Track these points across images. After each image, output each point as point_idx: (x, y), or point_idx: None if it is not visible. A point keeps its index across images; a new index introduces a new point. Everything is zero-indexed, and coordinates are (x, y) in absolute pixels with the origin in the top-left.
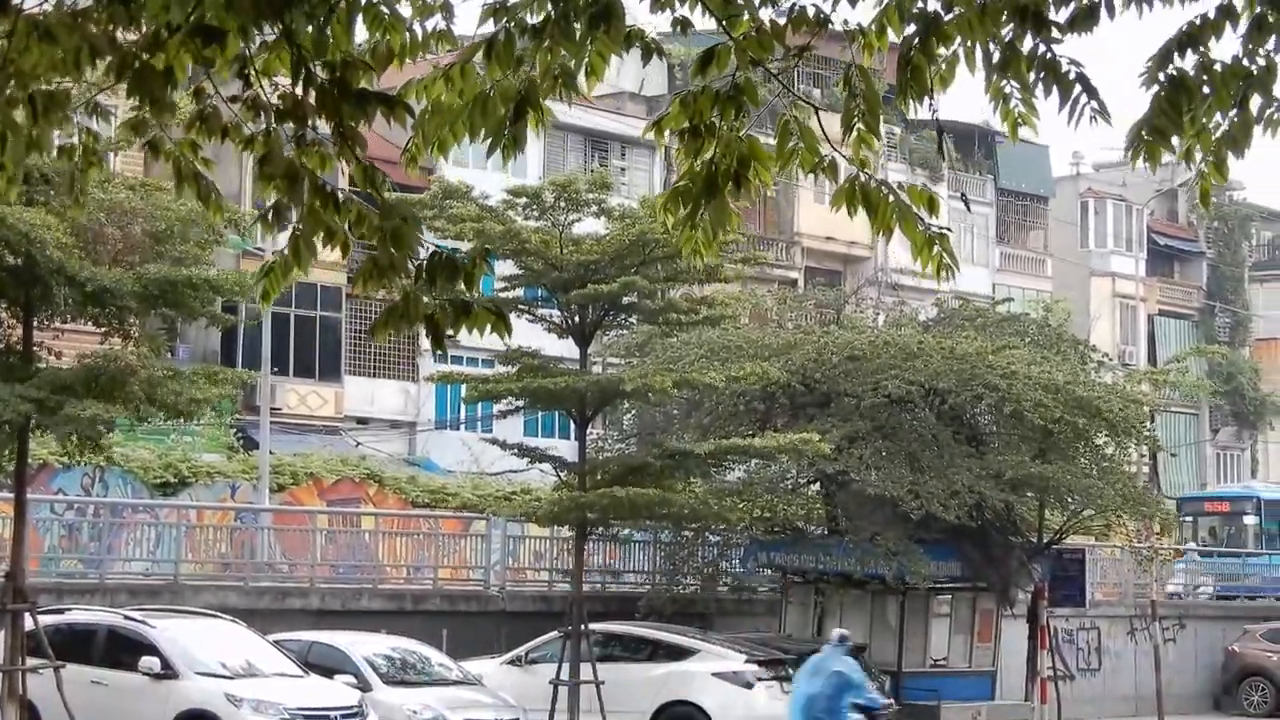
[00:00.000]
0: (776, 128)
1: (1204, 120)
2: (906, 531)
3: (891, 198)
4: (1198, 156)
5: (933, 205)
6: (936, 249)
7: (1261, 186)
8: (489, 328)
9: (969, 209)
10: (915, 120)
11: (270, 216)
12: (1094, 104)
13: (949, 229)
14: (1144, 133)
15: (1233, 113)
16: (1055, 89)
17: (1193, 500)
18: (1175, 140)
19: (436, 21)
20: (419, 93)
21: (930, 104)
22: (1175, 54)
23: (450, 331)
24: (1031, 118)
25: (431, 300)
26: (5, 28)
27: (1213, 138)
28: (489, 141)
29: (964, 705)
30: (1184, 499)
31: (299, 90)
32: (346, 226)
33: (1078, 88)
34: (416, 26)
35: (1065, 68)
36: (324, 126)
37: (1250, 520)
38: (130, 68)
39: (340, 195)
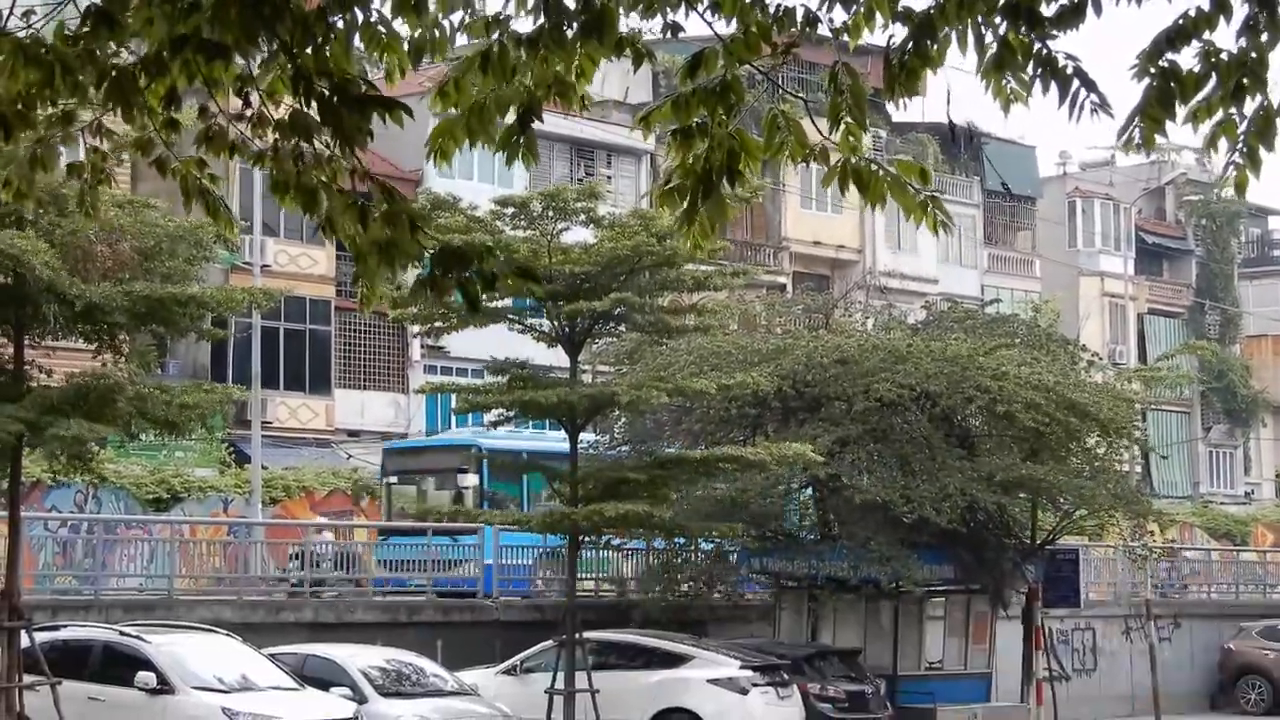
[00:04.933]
0: (764, 124)
1: (1220, 109)
2: (899, 535)
3: (882, 173)
4: (1223, 145)
5: (925, 177)
6: (931, 208)
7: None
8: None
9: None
10: (901, 124)
11: (325, 229)
12: (1094, 97)
13: (941, 191)
14: (1138, 120)
15: (1255, 103)
16: (1054, 84)
17: (397, 453)
18: (1204, 128)
19: (461, 16)
20: (435, 101)
21: (908, 102)
22: (1167, 47)
23: (484, 296)
24: (1023, 94)
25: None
26: None
27: (1238, 129)
28: (503, 151)
29: (960, 708)
30: (388, 449)
31: (299, 103)
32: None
33: (1076, 82)
34: (445, 20)
35: (1062, 63)
36: (330, 141)
37: (470, 481)
38: (107, 77)
39: (369, 210)
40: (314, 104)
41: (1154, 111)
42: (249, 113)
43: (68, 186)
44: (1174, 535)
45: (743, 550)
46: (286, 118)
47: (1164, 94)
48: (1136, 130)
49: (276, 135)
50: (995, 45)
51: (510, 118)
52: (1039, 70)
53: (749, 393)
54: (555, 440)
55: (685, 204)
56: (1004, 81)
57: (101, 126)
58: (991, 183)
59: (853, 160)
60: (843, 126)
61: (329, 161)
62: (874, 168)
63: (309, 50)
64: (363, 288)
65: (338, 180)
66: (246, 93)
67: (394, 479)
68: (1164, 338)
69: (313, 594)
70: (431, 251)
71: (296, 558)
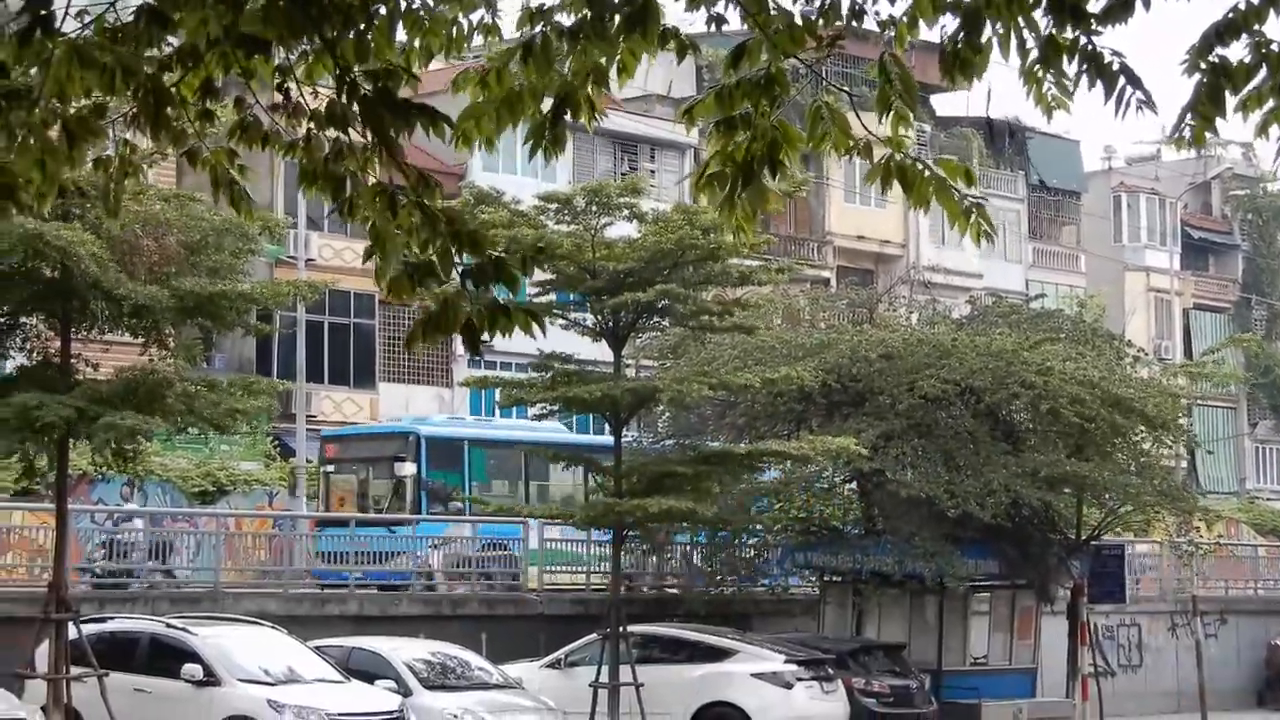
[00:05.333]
0: (807, 115)
1: (1272, 99)
2: (944, 530)
3: (927, 173)
4: (1274, 133)
5: (969, 178)
6: (975, 217)
7: None
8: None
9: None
10: (945, 117)
11: (344, 211)
12: (1139, 94)
13: (984, 199)
14: (1189, 118)
15: None
16: (1099, 81)
17: (335, 441)
18: (1254, 117)
19: (481, 15)
20: (463, 83)
21: (971, 87)
22: (1217, 42)
23: (486, 336)
24: (1065, 100)
25: (468, 305)
26: (44, 54)
27: None
28: (529, 144)
29: (1005, 703)
30: (325, 436)
31: (342, 98)
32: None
33: (1122, 79)
34: (462, 19)
35: (1108, 59)
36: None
37: (408, 469)
38: (148, 90)
39: (399, 199)
40: (355, 103)
41: (1205, 109)
42: (285, 104)
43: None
44: (1220, 531)
45: (787, 544)
46: (323, 109)
47: (1214, 90)
48: (1187, 129)
49: (311, 125)
50: (1039, 43)
51: (537, 111)
52: (1084, 66)
53: (793, 387)
54: (501, 428)
55: (725, 192)
56: (1045, 89)
57: (137, 119)
58: (1036, 177)
59: (897, 157)
60: (892, 114)
61: (363, 151)
62: (919, 167)
63: (351, 36)
64: (378, 264)
65: (367, 170)
66: (283, 84)
67: (331, 467)
68: (1210, 333)
69: (118, 585)
70: (463, 266)
71: (104, 546)
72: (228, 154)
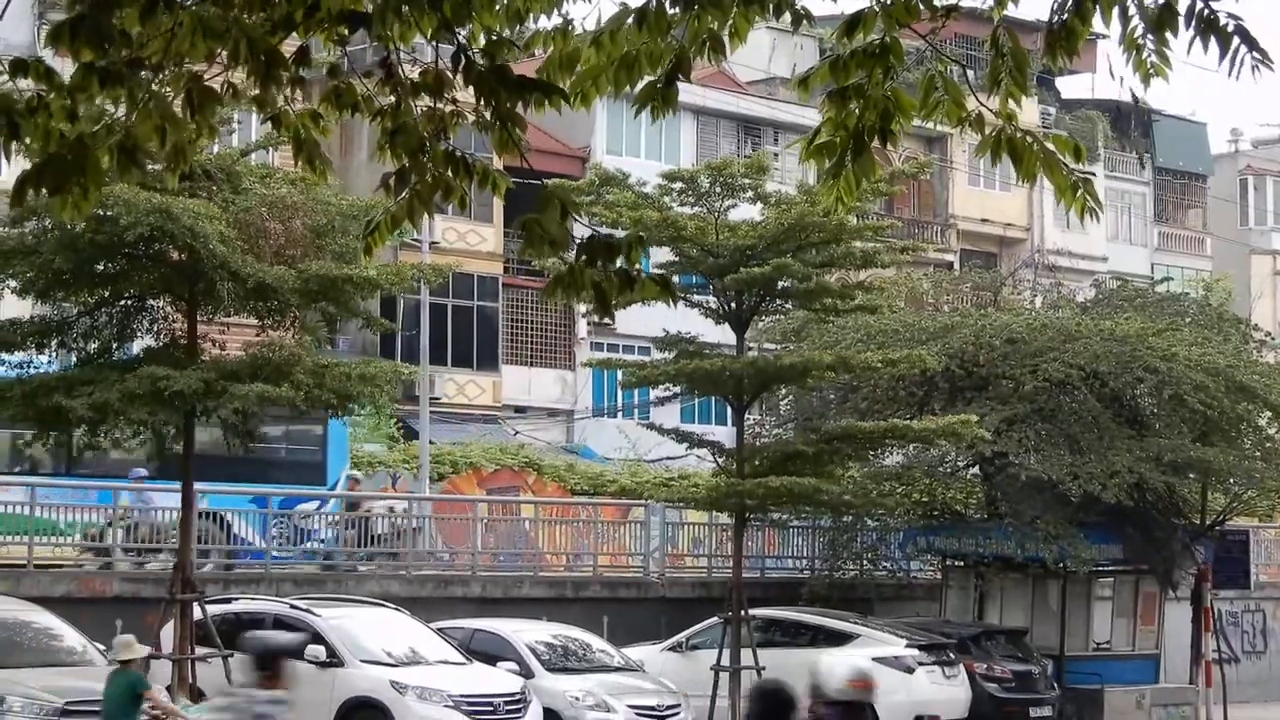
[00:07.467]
0: (920, 85)
1: None
2: (1067, 514)
3: (1036, 146)
4: None
5: (1078, 153)
6: (1080, 192)
7: None
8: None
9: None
10: (1070, 100)
11: (393, 183)
12: (1254, 54)
13: (1093, 173)
14: None
15: None
16: (1215, 43)
17: None
18: None
19: None
20: (547, 41)
21: (1067, 64)
22: None
23: (616, 300)
24: (1163, 69)
25: (598, 270)
26: (168, 23)
27: None
28: (638, 105)
29: (1127, 689)
30: None
31: (457, 75)
32: (473, 185)
33: (1236, 39)
34: None
35: (1224, 21)
36: (462, 96)
37: None
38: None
39: (468, 158)
40: (470, 80)
41: None
42: (379, 71)
43: (242, 164)
44: None
45: (909, 528)
46: (419, 77)
47: None
48: None
49: (396, 94)
50: (1144, 14)
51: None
52: (1200, 28)
53: (916, 371)
54: None
55: (834, 161)
56: (1145, 55)
57: (236, 91)
58: (1163, 160)
59: (1008, 130)
60: (1001, 88)
61: (454, 119)
62: (1029, 140)
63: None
64: (387, 219)
65: (452, 133)
66: (387, 60)
67: None
68: None
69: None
70: (579, 241)
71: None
72: (311, 115)
